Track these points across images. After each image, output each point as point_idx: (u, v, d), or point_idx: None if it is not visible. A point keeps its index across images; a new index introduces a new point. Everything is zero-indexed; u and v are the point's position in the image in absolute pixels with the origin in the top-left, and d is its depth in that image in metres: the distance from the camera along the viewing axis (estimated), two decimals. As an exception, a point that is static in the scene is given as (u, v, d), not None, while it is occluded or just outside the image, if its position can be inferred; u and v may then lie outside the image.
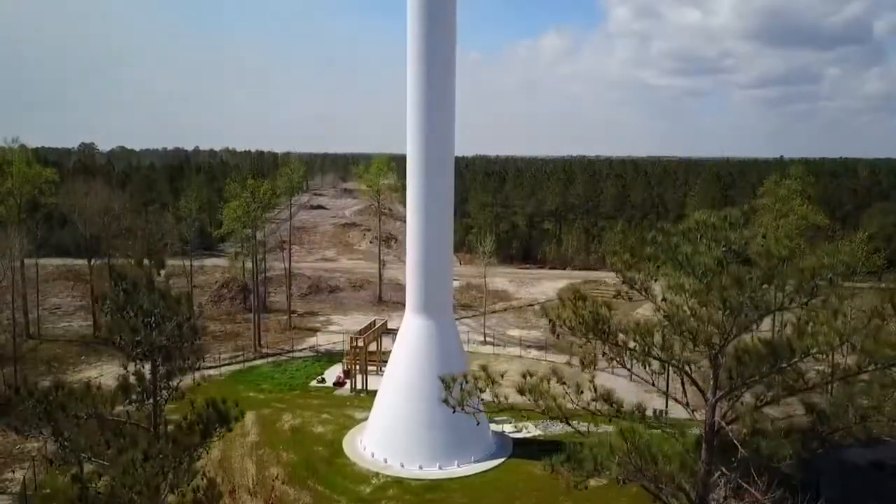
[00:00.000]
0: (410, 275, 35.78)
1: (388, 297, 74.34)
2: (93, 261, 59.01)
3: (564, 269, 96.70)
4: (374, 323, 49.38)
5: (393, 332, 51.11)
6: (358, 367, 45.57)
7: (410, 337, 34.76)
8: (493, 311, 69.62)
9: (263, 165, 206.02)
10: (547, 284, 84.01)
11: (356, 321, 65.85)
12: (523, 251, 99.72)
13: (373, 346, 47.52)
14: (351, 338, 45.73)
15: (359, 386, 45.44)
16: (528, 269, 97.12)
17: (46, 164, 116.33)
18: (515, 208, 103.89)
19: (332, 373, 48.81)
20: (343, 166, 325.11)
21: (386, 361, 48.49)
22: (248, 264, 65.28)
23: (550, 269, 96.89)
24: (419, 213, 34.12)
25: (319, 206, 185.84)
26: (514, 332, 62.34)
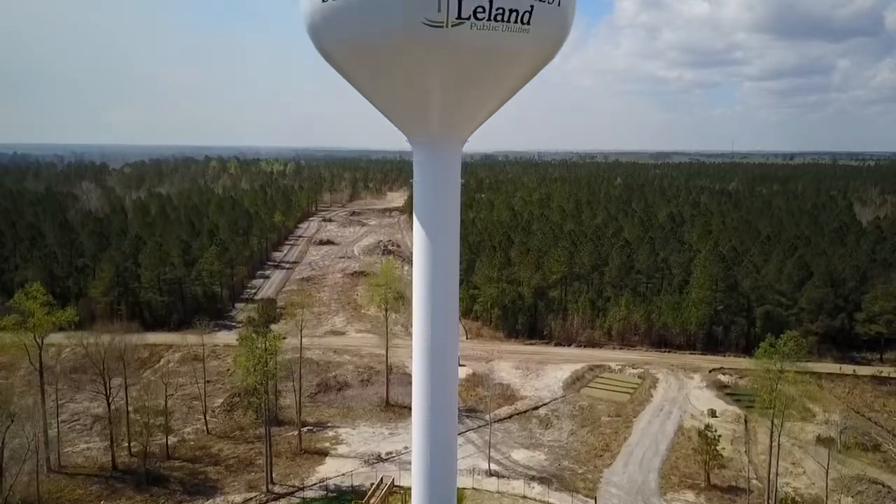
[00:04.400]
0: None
1: (395, 398, 76.01)
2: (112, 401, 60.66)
3: (570, 345, 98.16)
4: (381, 482, 51.12)
5: (399, 490, 52.96)
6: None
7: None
8: (498, 419, 71.29)
9: (276, 199, 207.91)
10: (552, 374, 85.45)
11: (364, 438, 67.77)
12: (529, 326, 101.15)
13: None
14: (359, 508, 47.48)
15: (367, 550, 47.30)
16: (533, 345, 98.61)
17: (64, 226, 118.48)
18: (521, 280, 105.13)
19: (342, 528, 50.68)
20: (352, 182, 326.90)
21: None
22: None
23: (556, 345, 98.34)
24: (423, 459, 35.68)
25: (329, 242, 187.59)
26: (520, 455, 64.00)
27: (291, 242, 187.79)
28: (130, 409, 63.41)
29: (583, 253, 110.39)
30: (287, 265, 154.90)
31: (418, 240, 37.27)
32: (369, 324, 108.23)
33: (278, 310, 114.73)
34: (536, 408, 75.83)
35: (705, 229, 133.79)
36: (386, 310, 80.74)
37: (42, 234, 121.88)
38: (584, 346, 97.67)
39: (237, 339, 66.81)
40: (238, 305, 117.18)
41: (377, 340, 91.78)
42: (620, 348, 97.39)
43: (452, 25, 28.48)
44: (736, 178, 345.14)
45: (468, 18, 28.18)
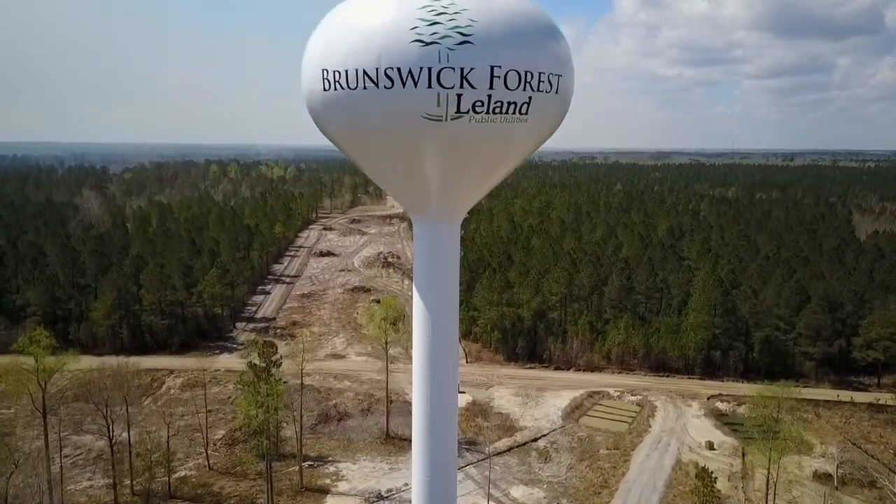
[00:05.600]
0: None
1: (395, 430, 76.57)
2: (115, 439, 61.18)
3: (569, 369, 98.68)
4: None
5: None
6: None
7: None
8: (497, 453, 71.87)
9: (276, 208, 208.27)
10: (551, 403, 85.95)
11: (364, 474, 68.35)
12: (528, 349, 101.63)
13: None
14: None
15: None
16: (533, 369, 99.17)
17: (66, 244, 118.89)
18: (521, 302, 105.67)
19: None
20: (352, 187, 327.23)
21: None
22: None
23: (555, 369, 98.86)
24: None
25: (329, 253, 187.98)
26: (518, 492, 64.58)
27: (292, 254, 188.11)
28: (133, 442, 64.06)
29: (582, 274, 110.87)
30: (287, 279, 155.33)
31: (418, 310, 37.61)
32: (369, 346, 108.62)
33: (278, 331, 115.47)
34: (535, 439, 76.36)
35: (704, 246, 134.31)
36: (386, 343, 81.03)
37: (44, 253, 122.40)
38: (583, 370, 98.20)
39: (238, 385, 67.15)
40: (239, 325, 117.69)
41: (377, 365, 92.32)
42: (619, 372, 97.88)
43: (451, 119, 28.69)
44: (736, 183, 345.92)
45: (467, 112, 28.42)
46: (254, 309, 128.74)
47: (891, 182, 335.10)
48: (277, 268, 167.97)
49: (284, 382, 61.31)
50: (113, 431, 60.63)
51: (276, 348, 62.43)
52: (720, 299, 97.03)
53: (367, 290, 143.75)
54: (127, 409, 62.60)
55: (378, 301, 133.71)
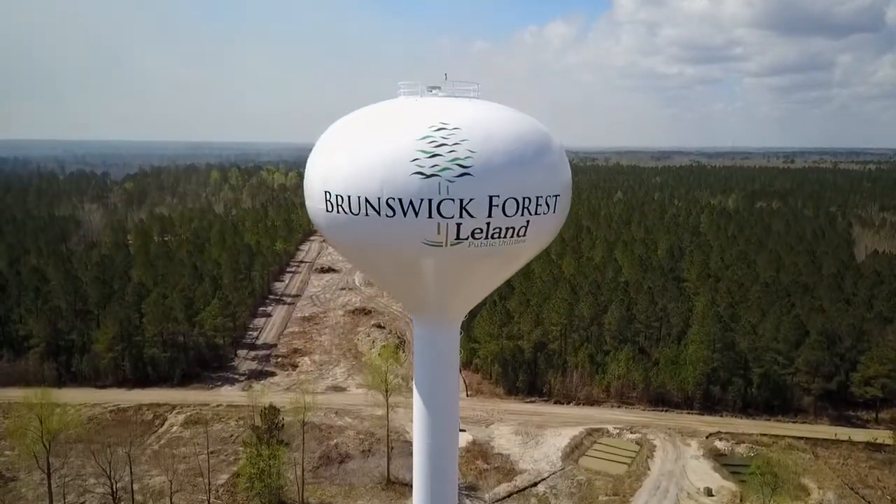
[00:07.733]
0: None
1: (396, 474, 77.09)
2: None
3: (569, 403, 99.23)
4: None
5: None
6: None
7: None
8: (497, 500, 72.47)
9: (278, 222, 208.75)
10: (551, 442, 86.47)
11: (366, 524, 68.98)
12: (529, 383, 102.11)
13: None
14: None
15: None
16: (533, 402, 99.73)
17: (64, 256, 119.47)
18: (521, 334, 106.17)
19: None
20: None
21: None
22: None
23: (555, 403, 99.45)
24: None
25: (330, 269, 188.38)
26: (517, 545, 65.20)
27: (293, 270, 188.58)
28: (135, 489, 64.72)
29: (583, 304, 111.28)
30: (288, 299, 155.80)
31: (418, 409, 37.95)
32: (370, 375, 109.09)
33: (279, 359, 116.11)
34: (535, 484, 76.88)
35: (703, 270, 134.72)
36: (387, 390, 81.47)
37: (46, 279, 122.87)
38: (583, 405, 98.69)
39: (243, 442, 67.70)
40: (240, 352, 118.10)
41: (378, 398, 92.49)
42: (619, 406, 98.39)
43: (451, 245, 29.08)
44: (736, 189, 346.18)
45: (466, 239, 28.87)
46: (255, 334, 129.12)
47: (891, 188, 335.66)
48: (279, 286, 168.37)
49: (287, 445, 61.75)
50: (116, 490, 61.21)
51: (279, 412, 62.85)
52: (719, 334, 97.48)
53: (367, 313, 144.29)
54: (130, 468, 63.13)
55: (380, 326, 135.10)
